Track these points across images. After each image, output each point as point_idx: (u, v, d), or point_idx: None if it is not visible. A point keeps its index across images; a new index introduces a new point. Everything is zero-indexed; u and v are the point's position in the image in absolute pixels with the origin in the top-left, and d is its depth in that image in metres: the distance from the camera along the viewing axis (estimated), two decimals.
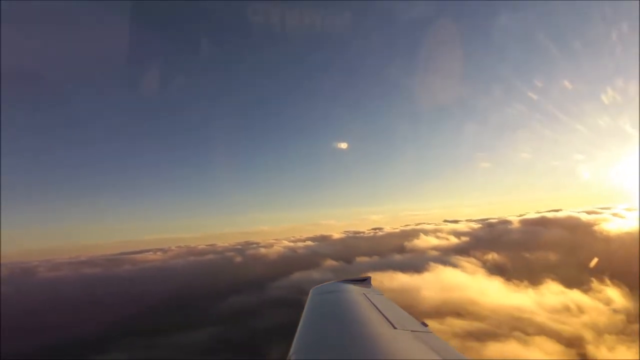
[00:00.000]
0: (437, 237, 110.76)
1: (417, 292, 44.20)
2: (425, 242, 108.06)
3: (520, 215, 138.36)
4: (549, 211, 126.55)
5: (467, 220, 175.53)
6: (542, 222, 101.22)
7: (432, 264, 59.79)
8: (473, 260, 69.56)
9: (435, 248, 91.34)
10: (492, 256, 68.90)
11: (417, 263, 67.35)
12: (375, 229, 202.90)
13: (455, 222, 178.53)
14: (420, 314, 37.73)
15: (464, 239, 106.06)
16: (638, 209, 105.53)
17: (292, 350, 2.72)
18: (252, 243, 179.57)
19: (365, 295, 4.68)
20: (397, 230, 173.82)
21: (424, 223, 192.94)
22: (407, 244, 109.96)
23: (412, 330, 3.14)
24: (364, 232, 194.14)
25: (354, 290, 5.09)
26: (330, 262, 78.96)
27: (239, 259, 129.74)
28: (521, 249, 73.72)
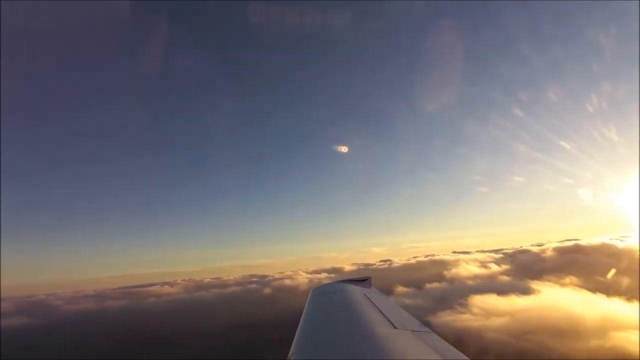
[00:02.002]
0: (477, 266, 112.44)
1: (565, 311, 44.71)
2: (467, 270, 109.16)
3: (540, 245, 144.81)
4: (568, 240, 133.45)
5: (477, 252, 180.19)
6: (579, 250, 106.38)
7: (532, 285, 60.89)
8: (550, 283, 71.21)
9: (490, 275, 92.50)
10: (570, 280, 70.99)
11: (501, 286, 68.20)
12: (384, 261, 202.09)
13: (466, 253, 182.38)
14: (601, 329, 37.91)
15: (505, 266, 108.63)
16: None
17: (292, 350, 2.73)
18: (265, 276, 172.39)
19: (366, 296, 4.69)
20: (412, 261, 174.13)
21: (434, 255, 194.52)
22: (447, 273, 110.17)
23: (412, 330, 3.18)
24: (374, 264, 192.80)
25: (355, 290, 5.11)
26: (401, 289, 77.59)
27: (267, 290, 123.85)
28: (587, 273, 76.53)
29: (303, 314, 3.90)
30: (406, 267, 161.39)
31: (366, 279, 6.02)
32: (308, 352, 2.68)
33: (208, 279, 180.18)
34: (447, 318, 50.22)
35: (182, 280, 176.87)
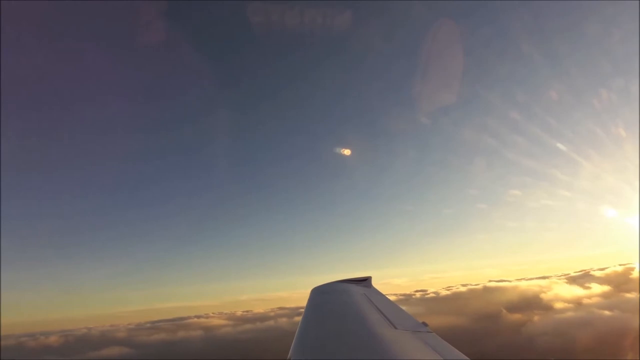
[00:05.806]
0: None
1: None
2: (570, 291, 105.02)
3: (604, 269, 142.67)
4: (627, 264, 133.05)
5: (517, 280, 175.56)
6: None
7: None
8: None
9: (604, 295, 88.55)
10: None
11: None
12: (418, 291, 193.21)
13: (506, 281, 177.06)
14: None
15: (604, 287, 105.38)
16: None
17: (292, 350, 2.60)
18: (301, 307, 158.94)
19: (366, 295, 4.59)
20: (462, 290, 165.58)
21: (470, 284, 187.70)
22: (544, 296, 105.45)
23: (412, 331, 3.09)
24: (414, 294, 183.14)
25: (355, 290, 5.01)
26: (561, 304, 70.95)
27: None
28: None
29: (303, 314, 3.73)
30: (461, 296, 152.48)
31: (366, 279, 5.71)
32: (308, 352, 2.59)
33: (240, 312, 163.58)
34: None
35: (212, 313, 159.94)
